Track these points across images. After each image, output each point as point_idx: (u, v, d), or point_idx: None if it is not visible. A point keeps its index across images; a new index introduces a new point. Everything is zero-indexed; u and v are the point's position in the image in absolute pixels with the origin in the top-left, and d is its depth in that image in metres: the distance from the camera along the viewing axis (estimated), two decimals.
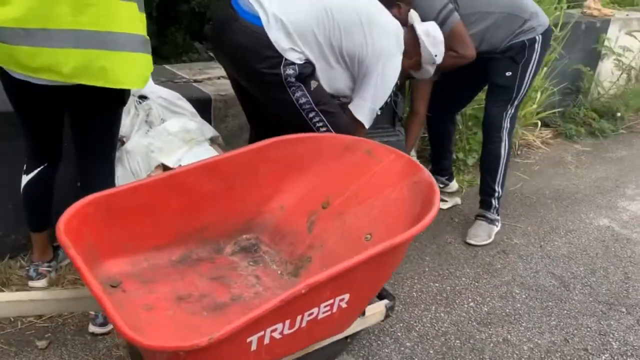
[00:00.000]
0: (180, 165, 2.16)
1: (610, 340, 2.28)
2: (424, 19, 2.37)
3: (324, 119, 2.10)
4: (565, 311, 2.42)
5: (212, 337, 1.10)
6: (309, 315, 1.33)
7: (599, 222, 3.23)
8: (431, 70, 2.35)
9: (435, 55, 2.30)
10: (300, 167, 1.87)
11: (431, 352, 2.10)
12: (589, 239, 3.03)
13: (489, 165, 2.83)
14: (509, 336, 2.23)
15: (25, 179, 1.99)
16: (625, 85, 5.05)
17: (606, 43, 4.74)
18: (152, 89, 2.34)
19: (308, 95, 2.07)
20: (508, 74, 2.67)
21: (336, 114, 2.15)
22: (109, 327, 1.99)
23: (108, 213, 1.53)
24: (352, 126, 2.16)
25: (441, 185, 3.17)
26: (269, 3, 2.03)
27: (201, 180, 1.71)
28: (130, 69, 1.59)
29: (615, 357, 2.18)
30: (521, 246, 2.89)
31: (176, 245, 1.71)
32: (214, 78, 2.75)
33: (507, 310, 2.38)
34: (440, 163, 3.24)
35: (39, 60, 1.50)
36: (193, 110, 2.44)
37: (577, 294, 2.55)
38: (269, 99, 2.15)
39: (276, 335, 1.28)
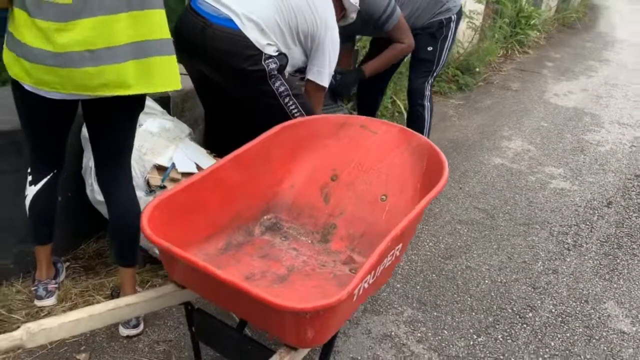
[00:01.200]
0: (172, 163, 2.26)
1: (538, 251, 2.87)
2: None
3: (296, 102, 2.35)
4: (499, 236, 2.97)
5: (346, 292, 1.33)
6: (383, 265, 1.61)
7: (493, 161, 3.88)
8: (354, 15, 2.61)
9: (355, 2, 2.55)
10: (304, 148, 2.10)
11: (418, 287, 2.49)
12: (492, 176, 3.65)
13: (417, 129, 3.26)
14: (468, 263, 2.71)
15: (32, 190, 1.95)
16: (477, 43, 5.86)
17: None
18: None
19: (285, 83, 2.30)
20: (429, 48, 3.09)
21: (302, 95, 2.42)
22: (141, 327, 2.07)
23: (169, 214, 1.64)
24: (314, 91, 2.47)
25: None
26: (235, 5, 2.20)
27: (232, 172, 1.86)
28: (173, 71, 1.69)
29: (545, 263, 2.77)
30: (446, 191, 3.39)
31: (219, 234, 1.85)
32: None
33: (459, 244, 2.86)
34: None
35: (103, 78, 1.54)
36: (161, 109, 2.50)
37: (501, 221, 3.13)
38: (248, 92, 2.33)
39: (366, 285, 1.54)
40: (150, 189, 2.21)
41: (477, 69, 5.53)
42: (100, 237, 2.52)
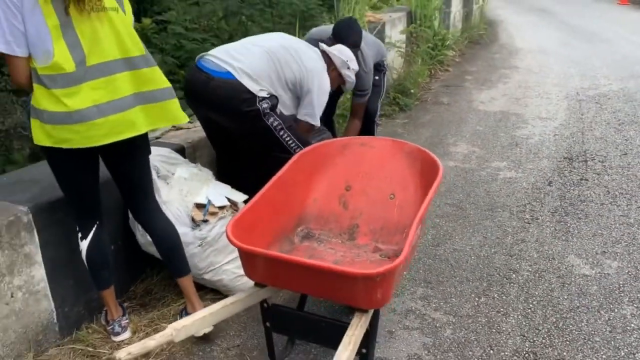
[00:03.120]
0: (209, 200, 2.67)
1: (505, 228, 3.47)
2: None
3: (289, 134, 2.87)
4: (472, 222, 3.55)
5: (403, 257, 1.81)
6: (416, 238, 2.10)
7: (448, 164, 4.49)
8: (351, 75, 3.23)
9: (347, 61, 3.18)
10: (319, 168, 2.57)
11: (421, 271, 2.99)
12: (452, 177, 4.25)
13: None
14: (454, 247, 3.25)
15: (84, 244, 2.30)
16: (407, 68, 6.59)
17: (388, 40, 6.17)
18: None
19: (279, 118, 2.81)
20: (377, 77, 3.81)
21: (294, 127, 2.93)
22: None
23: (242, 229, 2.05)
24: (307, 129, 3.03)
25: None
26: (232, 61, 2.73)
27: (274, 194, 2.31)
28: (177, 110, 2.18)
29: (514, 236, 3.36)
30: None
31: (273, 244, 2.28)
32: (172, 131, 3.21)
33: (442, 233, 3.41)
34: None
35: (108, 126, 2.00)
36: (183, 158, 2.91)
37: (470, 210, 3.71)
38: (247, 129, 2.83)
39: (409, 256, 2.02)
40: (195, 224, 2.61)
41: (412, 90, 6.24)
42: (144, 278, 2.86)
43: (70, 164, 2.12)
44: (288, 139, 2.87)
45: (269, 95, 2.80)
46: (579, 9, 14.06)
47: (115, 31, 2.02)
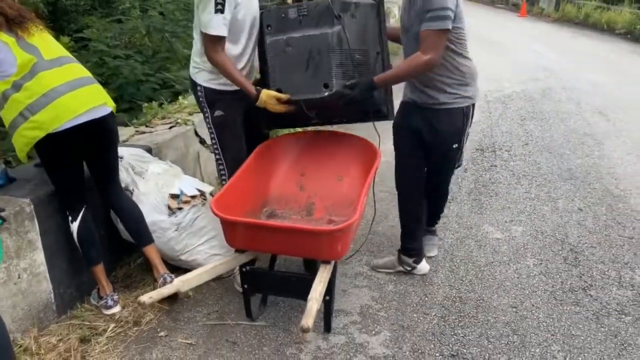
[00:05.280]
0: (181, 191, 3.07)
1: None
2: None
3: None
4: None
5: (358, 214, 2.31)
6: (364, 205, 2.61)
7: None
8: None
9: None
10: (277, 158, 3.05)
11: (367, 244, 3.52)
12: (384, 169, 4.83)
13: None
14: (390, 224, 3.80)
15: (75, 225, 2.68)
16: None
17: None
18: (121, 152, 3.10)
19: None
20: None
21: None
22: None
23: (221, 207, 2.49)
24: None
25: None
26: None
27: (242, 182, 2.76)
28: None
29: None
30: None
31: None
32: (136, 135, 3.58)
33: (379, 213, 3.96)
34: None
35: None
36: (152, 157, 3.29)
37: None
38: None
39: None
40: (171, 211, 3.00)
41: None
42: (123, 265, 3.21)
43: (60, 151, 2.52)
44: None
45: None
46: (486, 22, 15.39)
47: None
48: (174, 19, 6.59)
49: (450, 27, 2.51)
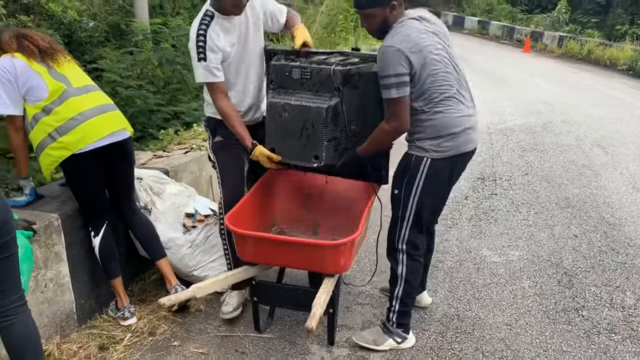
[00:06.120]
0: (196, 210, 3.28)
1: None
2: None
3: None
4: None
5: (360, 230, 2.50)
6: (366, 225, 2.80)
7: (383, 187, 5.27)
8: None
9: None
10: (284, 184, 3.25)
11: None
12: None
13: None
14: None
15: (97, 240, 2.88)
16: None
17: None
18: (141, 173, 3.33)
19: None
20: None
21: None
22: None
23: (234, 223, 2.68)
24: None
25: None
26: None
27: (260, 198, 2.96)
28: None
29: (439, 237, 4.14)
30: None
31: None
32: (154, 159, 3.81)
33: None
34: None
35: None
36: (169, 178, 3.51)
37: None
38: None
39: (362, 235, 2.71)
40: (186, 229, 3.20)
41: None
42: (138, 280, 3.39)
43: (83, 170, 2.75)
44: None
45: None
46: (491, 57, 15.77)
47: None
48: (186, 51, 6.82)
49: (397, 96, 2.39)
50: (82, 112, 2.69)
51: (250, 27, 2.84)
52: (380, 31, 2.54)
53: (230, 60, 2.80)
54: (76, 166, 2.69)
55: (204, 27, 2.70)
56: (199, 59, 2.70)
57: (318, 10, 11.89)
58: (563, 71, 13.72)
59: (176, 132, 4.54)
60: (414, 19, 2.52)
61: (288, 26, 2.97)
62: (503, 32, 21.31)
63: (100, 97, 2.86)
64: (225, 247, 3.02)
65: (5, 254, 2.02)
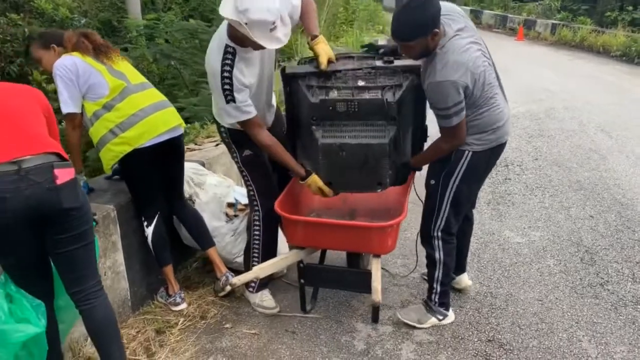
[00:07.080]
0: (236, 200, 3.41)
1: None
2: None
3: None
4: None
5: (405, 212, 2.64)
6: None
7: None
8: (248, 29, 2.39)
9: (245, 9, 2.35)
10: None
11: None
12: None
13: None
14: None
15: (150, 230, 3.00)
16: None
17: None
18: None
19: None
20: None
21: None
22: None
23: (282, 206, 2.82)
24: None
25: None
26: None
27: (293, 192, 3.09)
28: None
29: None
30: None
31: None
32: (188, 152, 3.93)
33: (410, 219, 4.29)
34: None
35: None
36: (207, 170, 3.64)
37: None
38: None
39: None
40: (228, 218, 3.33)
41: None
42: (181, 269, 3.53)
43: (142, 164, 2.87)
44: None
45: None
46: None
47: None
48: (181, 46, 6.73)
49: (457, 123, 2.49)
50: (142, 109, 2.81)
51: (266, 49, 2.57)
52: (421, 57, 2.51)
53: (253, 90, 2.69)
54: (136, 160, 2.81)
55: (228, 68, 2.52)
56: (227, 101, 2.55)
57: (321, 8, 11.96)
58: (558, 58, 13.92)
59: (202, 125, 4.65)
60: (453, 37, 2.45)
61: (302, 18, 2.71)
62: (496, 21, 21.53)
63: (157, 94, 2.99)
64: (256, 241, 3.00)
65: (85, 242, 2.15)
